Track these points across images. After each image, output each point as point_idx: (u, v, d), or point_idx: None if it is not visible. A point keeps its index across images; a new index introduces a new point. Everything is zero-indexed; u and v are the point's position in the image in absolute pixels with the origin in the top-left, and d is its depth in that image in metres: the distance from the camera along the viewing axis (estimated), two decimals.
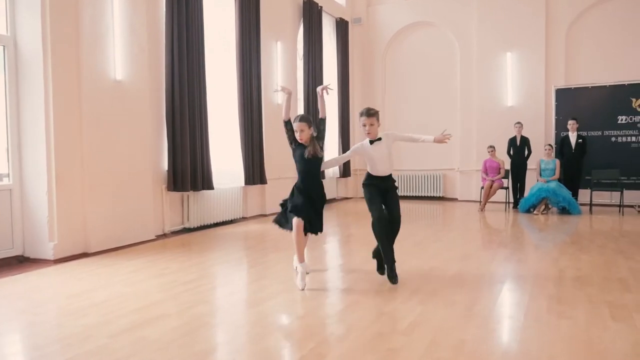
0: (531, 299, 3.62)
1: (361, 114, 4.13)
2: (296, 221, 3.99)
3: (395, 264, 4.14)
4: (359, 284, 4.13)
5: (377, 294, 3.81)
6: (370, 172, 4.26)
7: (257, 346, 2.83)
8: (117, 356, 2.67)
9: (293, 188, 4.17)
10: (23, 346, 2.93)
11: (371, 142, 4.16)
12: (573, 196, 8.63)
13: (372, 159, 4.21)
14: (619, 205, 8.73)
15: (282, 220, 4.27)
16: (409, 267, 4.69)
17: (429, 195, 11.43)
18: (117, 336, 2.96)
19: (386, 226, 4.11)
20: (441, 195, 11.33)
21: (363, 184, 4.32)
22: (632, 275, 4.27)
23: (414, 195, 11.55)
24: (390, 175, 4.28)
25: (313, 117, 10.08)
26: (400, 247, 5.74)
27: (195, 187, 6.79)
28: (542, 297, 3.65)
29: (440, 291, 3.85)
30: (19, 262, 5.06)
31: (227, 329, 3.17)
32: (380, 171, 4.21)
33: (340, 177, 11.22)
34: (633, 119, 9.04)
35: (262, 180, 8.24)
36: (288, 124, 4.15)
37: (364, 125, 4.12)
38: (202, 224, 7.14)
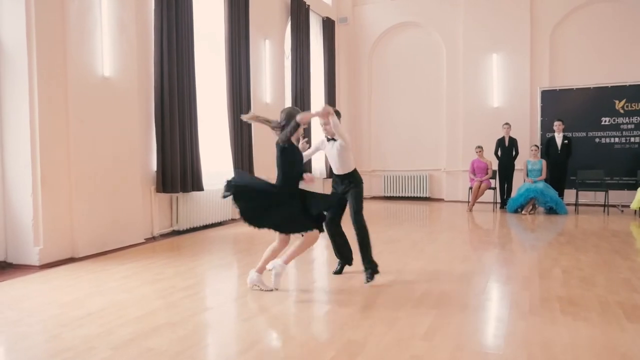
0: (543, 300, 3.58)
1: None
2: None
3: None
4: (361, 288, 4.01)
5: (385, 298, 3.71)
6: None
7: (270, 357, 2.69)
8: None
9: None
10: None
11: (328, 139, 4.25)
12: (559, 196, 8.73)
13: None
14: (604, 205, 8.87)
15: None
16: (413, 269, 4.61)
17: (415, 195, 11.41)
18: (121, 348, 2.77)
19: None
20: (427, 195, 11.33)
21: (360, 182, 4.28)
22: (635, 275, 4.29)
23: (400, 195, 11.53)
24: (346, 174, 4.22)
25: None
26: (398, 248, 5.69)
27: (184, 189, 6.57)
28: (552, 298, 3.62)
29: (450, 293, 3.77)
30: (1, 269, 4.76)
31: (236, 339, 3.01)
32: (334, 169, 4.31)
33: (327, 177, 11.11)
34: (616, 120, 9.21)
35: None
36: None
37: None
38: (191, 227, 6.92)
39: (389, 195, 11.61)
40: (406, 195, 11.51)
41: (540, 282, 4.11)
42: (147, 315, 3.34)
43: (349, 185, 4.19)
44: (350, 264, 4.40)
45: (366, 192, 4.25)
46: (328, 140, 4.20)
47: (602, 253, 5.25)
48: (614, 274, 4.33)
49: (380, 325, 3.08)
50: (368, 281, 4.03)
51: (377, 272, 4.11)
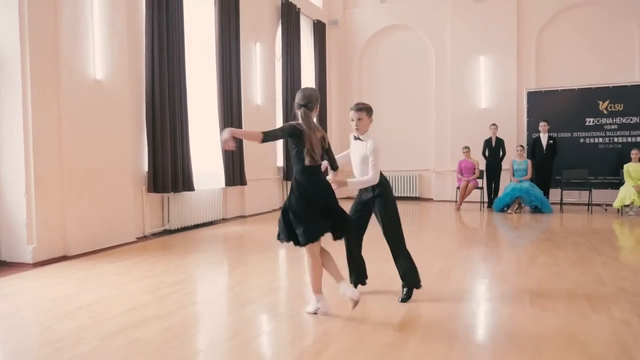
0: (515, 293, 3.75)
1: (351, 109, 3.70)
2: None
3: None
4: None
5: (366, 293, 3.87)
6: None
7: (253, 344, 2.85)
8: (111, 358, 2.65)
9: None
10: (12, 350, 2.85)
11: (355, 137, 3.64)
12: (545, 195, 8.93)
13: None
14: (588, 204, 9.07)
15: None
16: (393, 266, 4.75)
17: (405, 195, 11.59)
18: (109, 338, 2.92)
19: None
20: (417, 195, 11.51)
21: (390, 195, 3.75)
22: (606, 270, 4.47)
23: None
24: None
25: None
26: (380, 246, 5.83)
27: (175, 189, 6.71)
28: (524, 292, 3.79)
29: (426, 287, 3.92)
30: None
31: (221, 329, 3.17)
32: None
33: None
34: (600, 121, 9.42)
35: (242, 181, 8.22)
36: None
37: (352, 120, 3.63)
38: (183, 226, 7.07)
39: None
40: (396, 195, 11.51)
41: (516, 277, 4.29)
42: (136, 308, 3.49)
43: (373, 192, 3.64)
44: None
45: None
46: (355, 138, 3.62)
47: (579, 250, 5.43)
48: (587, 269, 4.50)
49: (356, 316, 3.23)
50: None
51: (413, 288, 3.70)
